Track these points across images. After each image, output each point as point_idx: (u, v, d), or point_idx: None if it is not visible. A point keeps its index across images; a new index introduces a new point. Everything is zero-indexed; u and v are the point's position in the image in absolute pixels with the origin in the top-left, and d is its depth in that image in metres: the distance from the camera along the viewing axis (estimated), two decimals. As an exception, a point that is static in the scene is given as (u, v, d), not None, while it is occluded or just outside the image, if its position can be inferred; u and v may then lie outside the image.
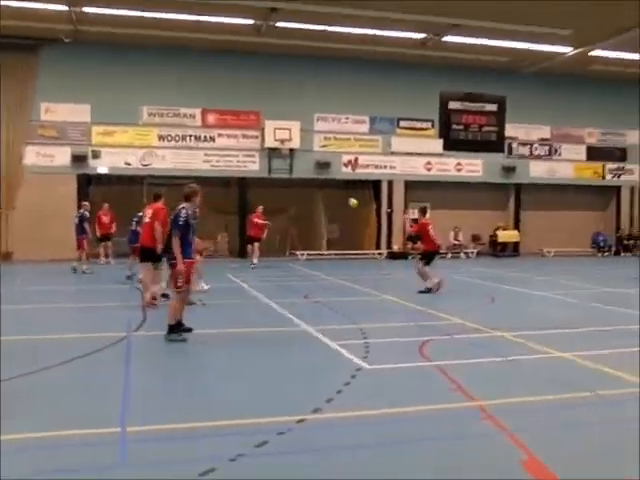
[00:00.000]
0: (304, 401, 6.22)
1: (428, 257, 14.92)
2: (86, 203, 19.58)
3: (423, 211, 15.75)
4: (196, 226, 9.39)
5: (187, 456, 4.92)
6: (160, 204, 12.91)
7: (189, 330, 9.20)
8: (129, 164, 23.77)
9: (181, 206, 9.17)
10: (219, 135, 24.66)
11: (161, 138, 24.06)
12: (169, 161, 24.10)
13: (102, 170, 23.70)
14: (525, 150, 28.63)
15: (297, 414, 5.78)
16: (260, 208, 21.01)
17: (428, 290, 14.36)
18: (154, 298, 11.97)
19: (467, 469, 4.76)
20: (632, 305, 12.71)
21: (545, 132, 28.97)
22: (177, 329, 9.03)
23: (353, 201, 15.58)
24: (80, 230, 18.69)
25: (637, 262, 25.26)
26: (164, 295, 12.21)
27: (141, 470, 4.66)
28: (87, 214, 19.08)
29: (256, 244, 20.94)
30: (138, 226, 15.07)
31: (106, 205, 21.05)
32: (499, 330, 9.90)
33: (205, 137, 24.53)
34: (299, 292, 14.82)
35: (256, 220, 20.77)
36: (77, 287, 16.66)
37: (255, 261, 20.82)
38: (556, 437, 5.44)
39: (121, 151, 23.71)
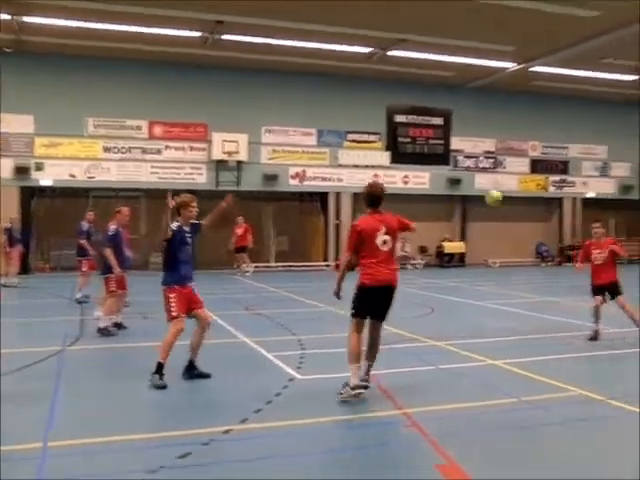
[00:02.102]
0: (233, 412, 6.25)
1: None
2: (14, 217, 19.48)
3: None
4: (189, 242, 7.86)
5: (105, 470, 4.89)
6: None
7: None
8: (74, 176, 23.40)
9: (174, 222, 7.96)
10: (166, 147, 24.51)
11: (107, 150, 23.78)
12: (115, 173, 23.82)
13: (46, 182, 23.29)
14: (470, 163, 29.15)
15: (224, 425, 5.81)
16: (240, 219, 23.03)
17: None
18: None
19: (383, 475, 4.85)
20: (564, 313, 13.08)
21: (490, 145, 29.55)
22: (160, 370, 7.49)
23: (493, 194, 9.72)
24: (9, 243, 18.65)
25: (576, 272, 25.92)
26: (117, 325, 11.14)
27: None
28: (9, 225, 18.83)
29: (242, 254, 23.46)
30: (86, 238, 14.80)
31: None
32: (434, 339, 10.07)
33: (152, 149, 24.33)
34: (242, 304, 14.81)
35: (237, 231, 23.11)
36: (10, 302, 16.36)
37: (248, 269, 23.44)
38: (479, 442, 5.58)
39: (65, 163, 23.32)
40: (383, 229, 6.92)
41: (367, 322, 6.99)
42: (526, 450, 5.41)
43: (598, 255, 10.48)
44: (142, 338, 10.18)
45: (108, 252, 10.64)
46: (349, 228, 7.08)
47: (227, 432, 5.67)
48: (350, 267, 7.08)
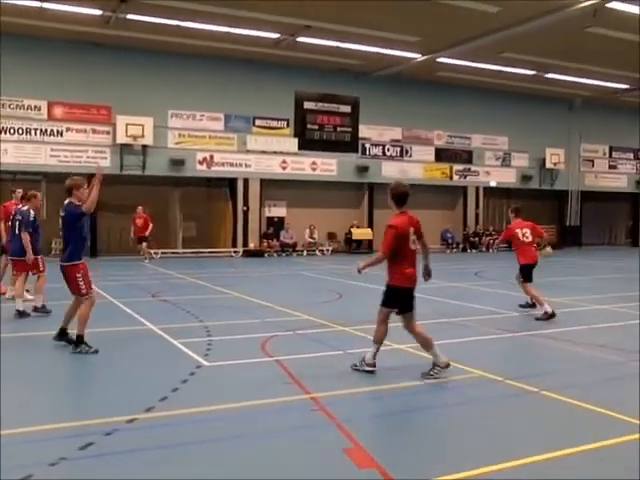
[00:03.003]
0: (138, 400, 6.09)
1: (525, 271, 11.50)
2: None
3: (516, 211, 12.13)
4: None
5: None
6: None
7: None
8: (-34, 158, 22.22)
9: (68, 201, 8.34)
10: (67, 129, 23.61)
11: (2, 131, 22.66)
12: (12, 155, 22.73)
13: None
14: (378, 150, 29.55)
15: (128, 414, 5.66)
16: (139, 208, 22.71)
17: (549, 316, 10.85)
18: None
19: (292, 459, 4.84)
20: (470, 298, 13.46)
21: (397, 133, 30.04)
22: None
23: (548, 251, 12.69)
24: None
25: (480, 257, 26.78)
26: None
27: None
28: None
29: (144, 243, 22.88)
30: None
31: None
32: (342, 325, 10.17)
33: (52, 131, 23.39)
34: (148, 291, 14.50)
35: (137, 221, 22.54)
36: None
37: (147, 258, 22.96)
38: (386, 424, 5.66)
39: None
40: (412, 229, 7.10)
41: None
42: (431, 430, 5.53)
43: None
44: (42, 326, 9.83)
45: (26, 236, 10.69)
46: (386, 229, 7.06)
47: (131, 421, 5.53)
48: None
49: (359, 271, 7.13)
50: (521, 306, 11.97)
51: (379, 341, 7.26)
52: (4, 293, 12.96)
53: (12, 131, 22.83)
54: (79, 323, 8.16)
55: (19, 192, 13.88)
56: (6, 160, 22.64)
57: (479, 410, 6.11)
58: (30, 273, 11.27)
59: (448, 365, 7.05)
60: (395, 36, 22.67)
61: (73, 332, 8.44)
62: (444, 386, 6.77)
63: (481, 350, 8.85)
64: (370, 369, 7.17)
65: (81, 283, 8.20)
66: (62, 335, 8.46)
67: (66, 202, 8.33)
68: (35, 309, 10.96)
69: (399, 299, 7.15)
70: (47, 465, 4.57)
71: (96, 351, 8.04)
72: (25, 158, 22.96)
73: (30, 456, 4.81)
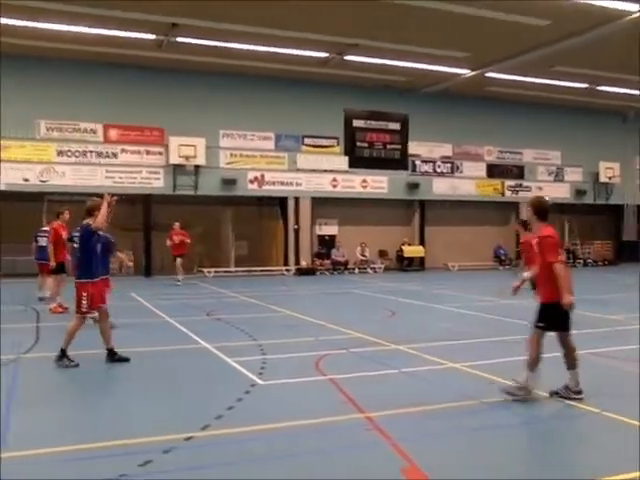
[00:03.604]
0: (194, 419, 6.15)
1: None
2: None
3: (524, 224, 13.10)
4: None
5: None
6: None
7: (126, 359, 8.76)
8: (27, 180, 22.89)
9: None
10: (122, 151, 24.16)
11: (60, 154, 23.30)
12: (69, 177, 23.36)
13: (-3, 187, 22.73)
14: (428, 167, 29.41)
15: (185, 432, 5.72)
16: (176, 225, 21.37)
17: None
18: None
19: (348, 478, 4.82)
20: (519, 316, 13.20)
21: (447, 150, 29.86)
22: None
23: None
24: None
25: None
26: None
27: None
28: None
29: (178, 260, 21.29)
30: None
31: None
32: (396, 343, 10.10)
33: (107, 153, 23.96)
34: (202, 309, 14.66)
35: (174, 237, 21.11)
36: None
37: (180, 278, 21.16)
38: (441, 443, 5.59)
39: (18, 167, 22.74)
40: None
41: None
42: (490, 451, 5.43)
43: None
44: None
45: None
46: (541, 240, 6.97)
47: (188, 439, 5.58)
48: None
49: (571, 304, 6.77)
50: None
51: (533, 368, 6.88)
52: (62, 311, 13.29)
53: (69, 154, 23.46)
54: (65, 336, 8.49)
55: (67, 214, 14.31)
56: (64, 182, 23.28)
57: (540, 431, 5.98)
58: None
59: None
60: (444, 52, 22.61)
61: (119, 350, 8.70)
62: (504, 405, 6.64)
63: (540, 369, 8.67)
64: (529, 396, 6.82)
65: (83, 302, 8.51)
66: (111, 355, 8.70)
67: (84, 222, 8.78)
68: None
69: (559, 317, 6.83)
70: (108, 482, 4.65)
71: (77, 365, 8.38)
72: (82, 180, 23.54)
73: (90, 473, 4.89)
